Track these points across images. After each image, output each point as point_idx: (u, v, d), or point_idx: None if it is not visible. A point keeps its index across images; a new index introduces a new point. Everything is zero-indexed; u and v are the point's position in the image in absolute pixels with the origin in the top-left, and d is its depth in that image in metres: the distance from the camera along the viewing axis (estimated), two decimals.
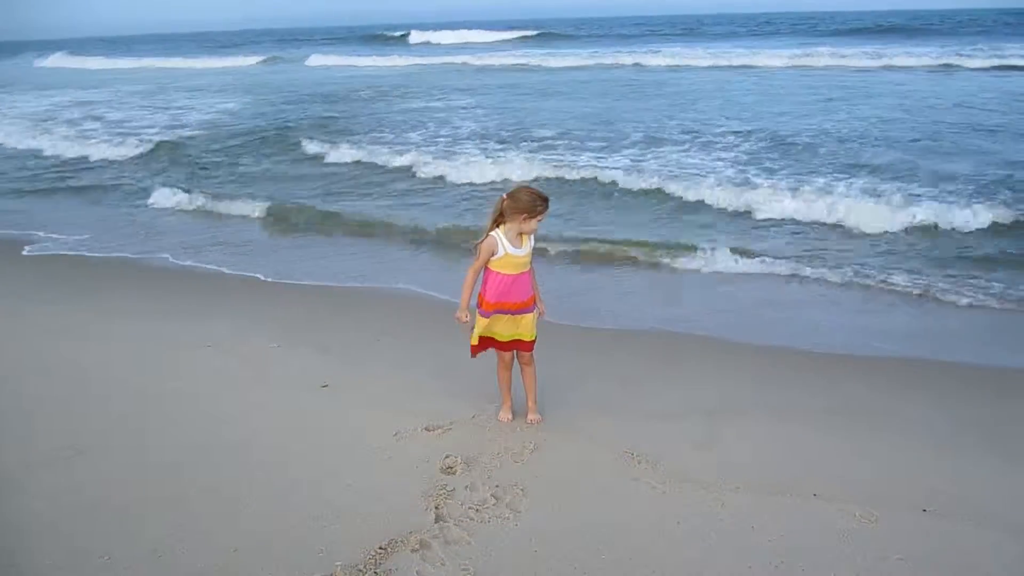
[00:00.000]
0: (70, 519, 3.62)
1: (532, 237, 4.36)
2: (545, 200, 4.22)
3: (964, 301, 6.70)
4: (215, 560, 3.32)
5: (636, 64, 34.10)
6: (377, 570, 3.22)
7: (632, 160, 12.96)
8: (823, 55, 32.25)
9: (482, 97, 23.16)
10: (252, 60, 49.63)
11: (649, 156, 13.21)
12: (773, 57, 32.47)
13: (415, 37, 68.49)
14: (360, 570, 3.22)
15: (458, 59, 40.41)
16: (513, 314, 4.36)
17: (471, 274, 4.34)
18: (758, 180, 10.92)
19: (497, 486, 3.86)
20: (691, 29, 66.58)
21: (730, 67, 31.07)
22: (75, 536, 3.49)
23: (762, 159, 12.54)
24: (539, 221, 4.25)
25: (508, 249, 4.25)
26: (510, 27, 75.01)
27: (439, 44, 61.01)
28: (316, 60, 45.66)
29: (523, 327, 4.43)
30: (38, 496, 3.82)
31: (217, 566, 3.28)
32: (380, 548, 3.35)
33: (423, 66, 38.48)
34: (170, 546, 3.41)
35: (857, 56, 31.33)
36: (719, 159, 12.62)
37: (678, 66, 32.44)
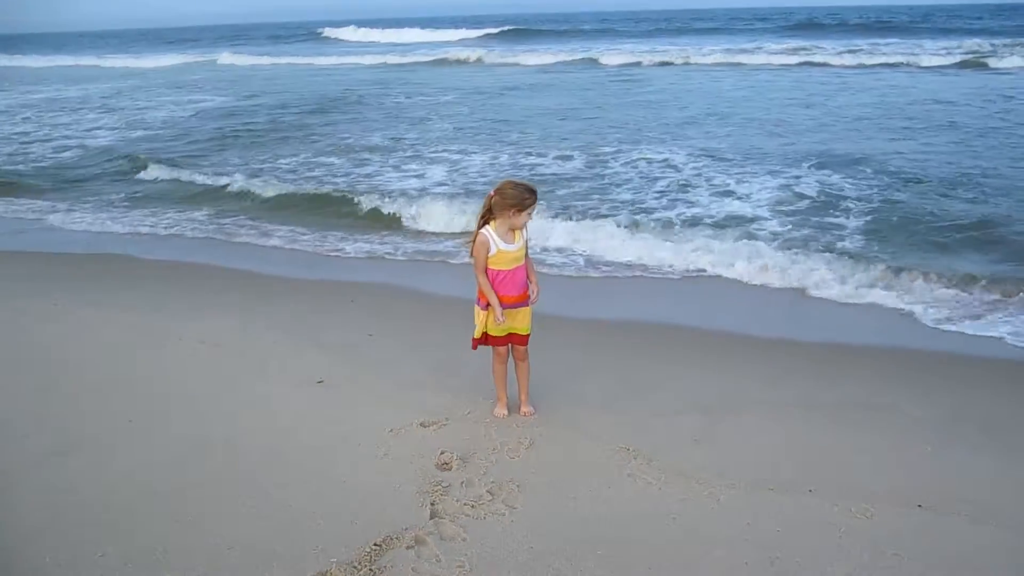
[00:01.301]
0: (65, 516, 3.60)
1: (525, 230, 4.33)
2: (533, 192, 4.20)
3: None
4: (210, 558, 3.31)
5: (592, 60, 34.02)
6: (372, 567, 3.22)
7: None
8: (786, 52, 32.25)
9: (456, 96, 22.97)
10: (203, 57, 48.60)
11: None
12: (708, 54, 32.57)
13: (350, 35, 68.08)
14: (355, 567, 3.22)
15: (426, 57, 39.91)
16: (508, 308, 4.34)
17: (482, 277, 4.30)
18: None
19: (493, 482, 3.85)
20: (672, 24, 65.95)
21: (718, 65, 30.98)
22: (70, 533, 3.48)
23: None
24: (529, 214, 4.23)
25: (500, 246, 4.23)
26: (474, 25, 73.52)
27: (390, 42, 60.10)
28: (269, 60, 44.87)
29: (518, 321, 4.41)
30: (33, 493, 3.81)
31: (212, 564, 3.28)
32: (375, 545, 3.35)
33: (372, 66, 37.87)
34: (165, 544, 3.40)
35: (843, 54, 31.06)
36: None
37: (643, 64, 32.19)
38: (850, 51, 32.10)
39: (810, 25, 52.86)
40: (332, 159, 13.65)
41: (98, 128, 19.11)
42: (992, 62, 26.71)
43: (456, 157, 13.43)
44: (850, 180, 10.56)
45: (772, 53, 32.71)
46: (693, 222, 8.98)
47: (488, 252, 4.24)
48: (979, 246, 7.81)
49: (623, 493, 3.78)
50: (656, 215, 9.33)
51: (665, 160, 12.40)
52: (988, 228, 8.23)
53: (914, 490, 3.79)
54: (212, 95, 25.68)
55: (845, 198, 9.70)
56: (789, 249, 7.76)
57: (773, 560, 3.28)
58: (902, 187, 10.13)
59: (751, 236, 8.27)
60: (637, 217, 9.15)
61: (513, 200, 4.14)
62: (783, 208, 9.43)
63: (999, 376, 5.26)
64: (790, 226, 8.69)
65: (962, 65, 26.65)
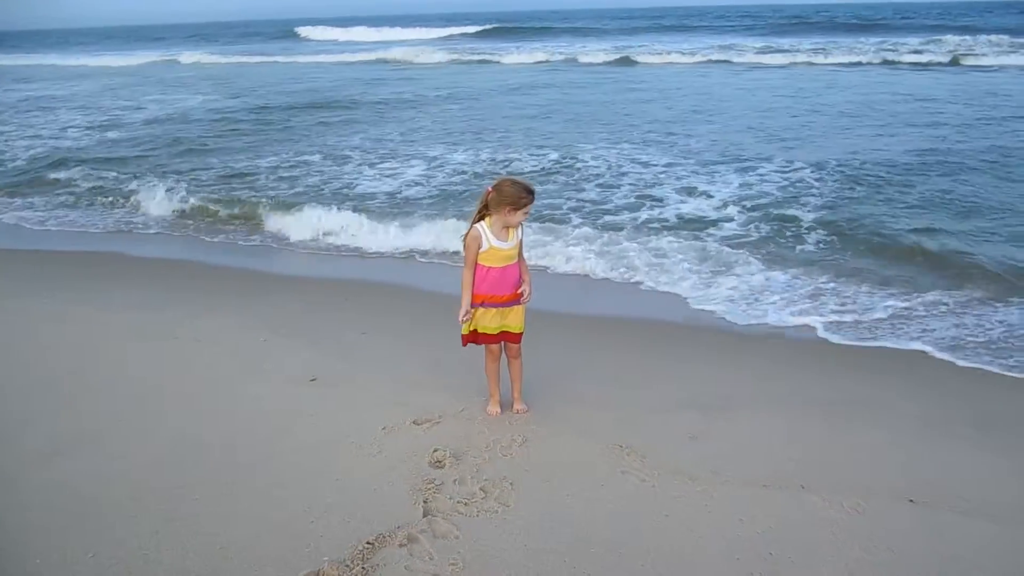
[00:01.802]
0: (56, 517, 3.58)
1: (520, 229, 4.32)
2: (531, 192, 4.17)
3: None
4: (202, 557, 3.30)
5: (581, 57, 33.78)
6: (365, 565, 3.21)
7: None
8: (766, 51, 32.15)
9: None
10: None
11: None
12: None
13: (330, 34, 66.71)
14: (348, 565, 3.20)
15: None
16: (501, 307, 4.33)
17: (467, 273, 4.29)
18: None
19: (486, 480, 3.84)
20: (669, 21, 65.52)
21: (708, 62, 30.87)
22: (61, 534, 3.46)
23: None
24: (525, 214, 4.21)
25: (493, 242, 4.21)
26: (457, 23, 72.17)
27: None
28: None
29: (511, 319, 4.40)
30: (25, 493, 3.78)
31: (204, 563, 3.26)
32: (368, 543, 3.33)
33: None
34: (157, 543, 3.39)
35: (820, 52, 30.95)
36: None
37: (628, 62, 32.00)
38: (839, 48, 32.18)
39: (799, 23, 52.69)
40: (315, 158, 13.62)
41: (72, 127, 18.51)
42: (980, 60, 26.76)
43: (434, 155, 13.38)
44: (818, 178, 10.59)
45: (760, 51, 32.64)
46: (648, 223, 8.96)
47: (479, 247, 4.22)
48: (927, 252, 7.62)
49: (617, 490, 3.77)
50: (606, 218, 9.27)
51: (640, 159, 12.40)
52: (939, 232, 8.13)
53: (907, 485, 3.80)
54: (195, 94, 25.31)
55: (809, 196, 9.73)
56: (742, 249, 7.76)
57: (766, 556, 3.28)
58: (869, 187, 10.12)
59: (702, 239, 8.25)
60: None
61: (509, 198, 4.12)
62: (744, 206, 9.40)
63: (990, 373, 5.27)
64: (746, 228, 8.61)
65: (950, 63, 26.66)
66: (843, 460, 4.06)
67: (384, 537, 3.38)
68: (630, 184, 10.81)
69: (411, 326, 6.12)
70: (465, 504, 3.63)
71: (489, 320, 4.36)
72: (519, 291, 4.35)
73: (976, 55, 27.98)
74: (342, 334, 5.96)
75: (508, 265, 4.28)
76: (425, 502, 3.65)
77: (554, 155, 12.94)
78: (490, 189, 4.18)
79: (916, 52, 29.42)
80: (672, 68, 29.28)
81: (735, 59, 30.80)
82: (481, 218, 4.24)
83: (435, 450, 4.09)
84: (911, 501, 3.65)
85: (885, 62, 27.59)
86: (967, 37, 34.75)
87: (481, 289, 4.29)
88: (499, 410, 4.57)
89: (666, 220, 9.10)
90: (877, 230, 8.23)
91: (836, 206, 9.21)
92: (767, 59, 30.40)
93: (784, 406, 4.71)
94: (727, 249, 7.81)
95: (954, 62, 26.67)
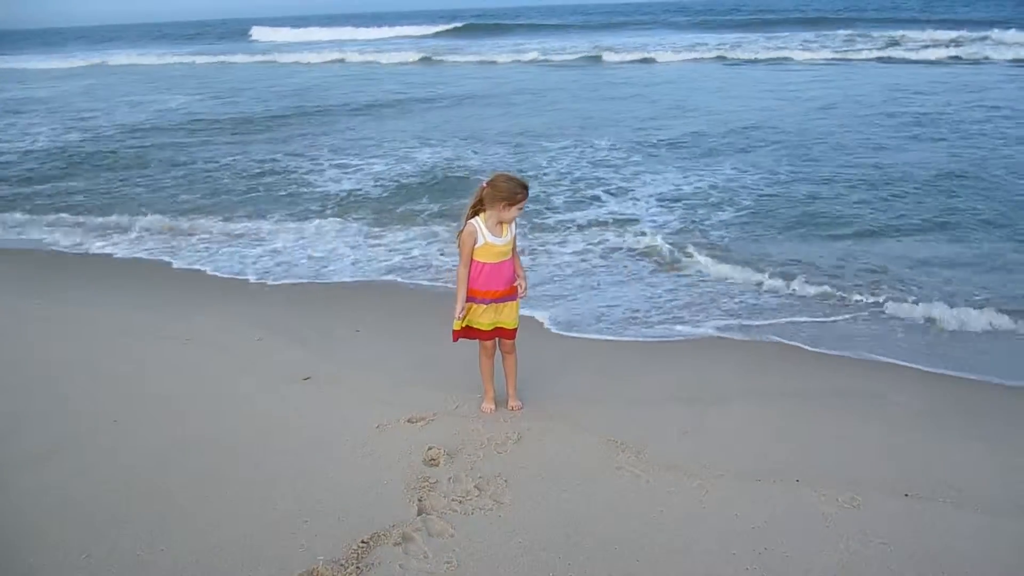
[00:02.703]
0: (50, 518, 3.57)
1: (514, 224, 4.31)
2: (525, 188, 4.17)
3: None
4: (196, 557, 3.29)
5: (563, 55, 33.26)
6: (359, 564, 3.20)
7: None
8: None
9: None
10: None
11: None
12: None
13: (309, 35, 65.40)
14: (342, 565, 3.20)
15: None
16: (495, 302, 4.33)
17: (463, 270, 4.28)
18: None
19: (480, 477, 3.84)
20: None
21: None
22: (55, 535, 3.44)
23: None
24: (519, 209, 4.20)
25: (488, 238, 4.21)
26: (429, 21, 70.84)
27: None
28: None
29: (505, 315, 4.39)
30: (17, 495, 3.77)
31: (198, 563, 3.25)
32: (362, 542, 3.32)
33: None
34: (151, 544, 3.37)
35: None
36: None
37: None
38: (830, 40, 32.29)
39: (787, 18, 52.55)
40: (279, 158, 13.67)
41: (38, 134, 17.75)
42: (971, 53, 26.73)
43: (401, 153, 13.40)
44: (764, 177, 10.63)
45: (749, 46, 32.44)
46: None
47: (475, 243, 4.22)
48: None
49: (611, 486, 3.77)
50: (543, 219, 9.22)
51: (597, 157, 12.43)
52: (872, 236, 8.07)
53: (900, 478, 3.81)
54: (172, 95, 24.90)
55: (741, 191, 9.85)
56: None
57: (761, 551, 3.28)
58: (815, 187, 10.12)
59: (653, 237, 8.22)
60: None
61: (504, 193, 4.12)
62: (664, 205, 9.50)
63: (983, 365, 5.29)
64: (693, 227, 8.58)
65: (943, 59, 26.57)
66: (836, 454, 4.07)
67: (379, 536, 3.37)
68: (573, 184, 10.75)
69: (405, 324, 6.11)
70: (460, 502, 3.63)
71: (483, 316, 4.35)
72: (514, 286, 4.35)
73: (960, 46, 28.00)
74: (335, 332, 5.95)
75: (503, 261, 4.28)
76: (420, 500, 3.64)
77: (515, 152, 12.94)
78: (485, 184, 4.17)
79: (895, 45, 29.64)
80: (656, 65, 28.87)
81: (724, 55, 30.49)
82: (475, 214, 4.24)
83: (429, 448, 4.08)
84: (906, 495, 3.66)
85: (879, 59, 27.52)
86: (965, 32, 34.75)
87: (476, 285, 4.28)
88: (494, 407, 4.56)
89: (603, 221, 9.03)
90: (827, 231, 8.21)
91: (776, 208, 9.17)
92: (758, 54, 30.14)
93: (776, 399, 4.71)
94: (675, 249, 7.84)
95: (949, 58, 26.53)
